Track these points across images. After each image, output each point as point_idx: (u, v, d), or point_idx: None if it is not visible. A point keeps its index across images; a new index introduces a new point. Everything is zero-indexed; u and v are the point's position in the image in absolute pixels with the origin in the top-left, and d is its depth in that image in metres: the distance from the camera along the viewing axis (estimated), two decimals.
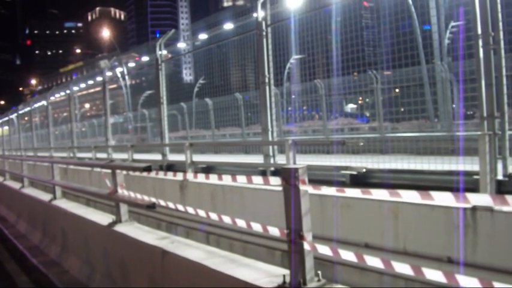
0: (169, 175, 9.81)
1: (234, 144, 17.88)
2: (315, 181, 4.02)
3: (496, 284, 2.72)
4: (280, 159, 10.48)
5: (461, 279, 2.89)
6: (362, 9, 14.11)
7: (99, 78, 22.22)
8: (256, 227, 4.46)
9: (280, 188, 3.90)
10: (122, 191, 6.97)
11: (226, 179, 5.39)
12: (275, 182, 4.09)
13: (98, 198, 11.99)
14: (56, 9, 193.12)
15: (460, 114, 10.72)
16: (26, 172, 15.02)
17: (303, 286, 3.65)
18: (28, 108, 35.77)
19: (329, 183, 8.46)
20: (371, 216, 6.14)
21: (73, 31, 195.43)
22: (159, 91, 15.42)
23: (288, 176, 3.67)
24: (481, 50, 6.72)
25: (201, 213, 5.38)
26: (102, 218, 7.57)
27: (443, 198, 3.19)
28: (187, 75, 29.53)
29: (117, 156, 18.65)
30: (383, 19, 12.76)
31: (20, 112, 38.71)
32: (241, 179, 4.97)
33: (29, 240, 11.37)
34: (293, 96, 16.62)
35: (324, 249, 3.65)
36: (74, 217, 8.56)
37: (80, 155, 23.52)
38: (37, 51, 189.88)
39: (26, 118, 37.53)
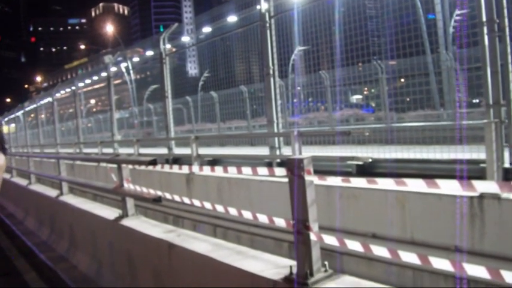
0: (175, 168, 9.81)
1: (239, 136, 17.86)
2: (321, 172, 4.01)
3: (503, 272, 2.70)
4: (286, 151, 10.46)
5: (469, 267, 2.88)
6: None
7: (103, 74, 22.21)
8: (263, 218, 4.45)
9: (286, 180, 3.88)
10: (128, 185, 6.98)
11: (232, 171, 5.39)
12: (281, 173, 4.07)
13: (104, 193, 12.02)
14: (60, 6, 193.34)
15: (464, 103, 10.67)
16: (32, 169, 15.08)
17: (310, 277, 3.64)
18: (34, 105, 35.84)
19: (335, 173, 8.46)
20: (378, 206, 6.12)
21: (77, 27, 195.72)
22: (163, 85, 15.41)
23: (293, 166, 3.65)
24: (486, 38, 6.67)
25: (208, 205, 5.38)
26: (109, 213, 7.59)
27: (449, 187, 3.17)
28: (192, 69, 29.53)
29: (123, 151, 18.68)
30: (387, 8, 12.68)
31: (26, 109, 38.78)
32: (247, 171, 4.95)
33: (37, 236, 11.43)
34: (298, 88, 16.54)
35: (331, 240, 3.64)
36: (81, 212, 8.59)
37: (86, 150, 23.58)
38: (41, 48, 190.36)
39: (32, 115, 37.61)
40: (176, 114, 17.34)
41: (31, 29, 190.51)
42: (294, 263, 3.81)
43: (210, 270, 4.55)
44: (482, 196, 5.01)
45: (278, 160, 10.39)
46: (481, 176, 6.32)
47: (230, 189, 8.92)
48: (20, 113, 40.76)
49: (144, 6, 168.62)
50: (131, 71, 23.91)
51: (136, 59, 22.72)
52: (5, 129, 46.20)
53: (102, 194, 12.88)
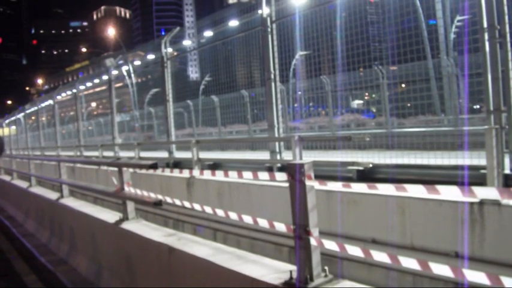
0: (176, 172, 9.82)
1: (240, 140, 17.85)
2: (321, 177, 4.01)
3: (503, 278, 2.71)
4: (287, 156, 10.46)
5: (469, 273, 2.88)
6: (367, 4, 14.06)
7: (105, 77, 22.24)
8: (263, 223, 4.45)
9: (286, 184, 3.89)
10: (129, 189, 6.98)
11: (233, 176, 5.39)
12: (281, 177, 4.08)
13: (105, 196, 12.02)
14: (61, 9, 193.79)
15: (465, 109, 10.68)
16: (33, 171, 15.07)
17: (310, 282, 3.65)
18: (35, 108, 35.86)
19: (336, 178, 8.46)
20: (378, 211, 6.12)
21: (78, 30, 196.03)
22: (164, 89, 15.43)
23: (293, 171, 3.66)
24: (487, 44, 6.68)
25: (208, 209, 5.38)
26: (109, 216, 7.58)
27: (450, 193, 3.18)
28: (193, 73, 29.50)
29: (124, 154, 18.67)
30: (388, 14, 12.71)
31: (27, 112, 38.82)
32: (248, 175, 4.96)
33: (37, 238, 11.42)
34: (299, 93, 16.56)
35: (331, 245, 3.64)
36: (81, 215, 8.58)
37: (86, 153, 23.58)
38: (43, 51, 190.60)
39: (33, 117, 37.64)
40: (177, 118, 17.36)
41: (33, 31, 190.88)
42: (294, 267, 3.82)
43: (210, 274, 4.54)
44: (482, 202, 5.01)
45: (279, 165, 10.40)
46: (482, 182, 6.33)
47: (230, 193, 8.92)
48: (21, 115, 40.80)
49: (145, 10, 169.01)
50: (132, 75, 23.94)
51: (137, 63, 22.74)
52: (6, 131, 46.28)
53: (102, 197, 12.88)
